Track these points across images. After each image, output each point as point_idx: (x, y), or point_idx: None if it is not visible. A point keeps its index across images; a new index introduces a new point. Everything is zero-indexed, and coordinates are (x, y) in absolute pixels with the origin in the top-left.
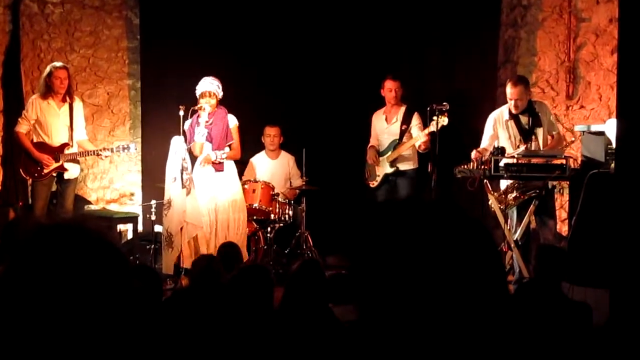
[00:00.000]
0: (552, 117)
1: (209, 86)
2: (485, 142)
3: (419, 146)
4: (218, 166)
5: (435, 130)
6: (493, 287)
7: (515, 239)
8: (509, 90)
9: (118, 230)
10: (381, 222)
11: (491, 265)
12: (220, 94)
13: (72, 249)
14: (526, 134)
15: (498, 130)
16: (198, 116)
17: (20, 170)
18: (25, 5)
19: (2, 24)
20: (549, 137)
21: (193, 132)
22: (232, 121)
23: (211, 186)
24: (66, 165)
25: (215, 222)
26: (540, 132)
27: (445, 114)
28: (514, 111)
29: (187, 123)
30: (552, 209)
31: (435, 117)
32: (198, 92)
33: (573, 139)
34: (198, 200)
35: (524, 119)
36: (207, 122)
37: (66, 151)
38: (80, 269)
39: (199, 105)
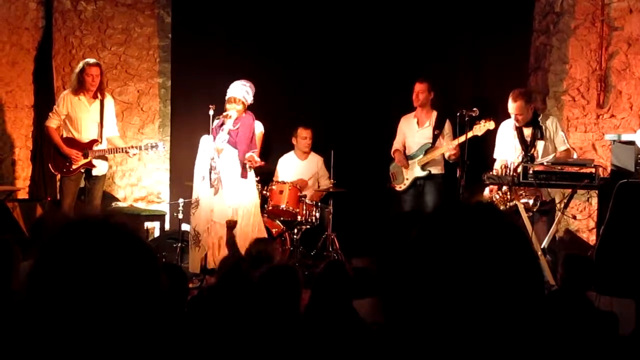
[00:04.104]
0: (562, 133)
1: (237, 92)
2: (498, 152)
3: (449, 156)
4: (244, 173)
5: (465, 139)
6: (531, 291)
7: (542, 246)
8: (509, 105)
9: (145, 228)
10: (421, 226)
11: (529, 270)
12: (249, 100)
13: (101, 245)
14: (527, 146)
15: (504, 139)
16: (223, 122)
17: (50, 165)
18: (58, 2)
19: (35, 19)
20: (557, 152)
21: (215, 137)
22: (259, 128)
23: (235, 191)
24: (94, 161)
25: (239, 225)
26: (540, 144)
27: (491, 118)
28: (517, 124)
29: (216, 122)
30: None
31: (479, 123)
32: (227, 96)
33: (575, 155)
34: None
35: (527, 131)
36: (232, 127)
37: (95, 147)
38: (109, 265)
39: (225, 113)
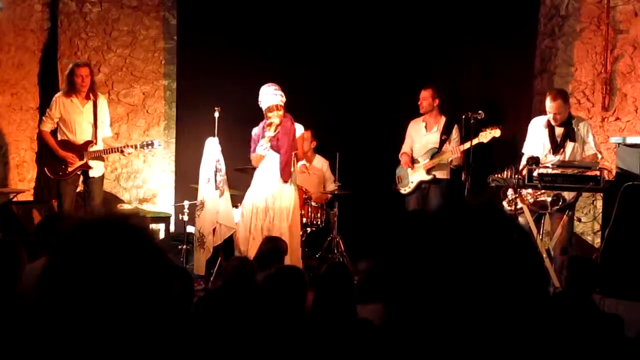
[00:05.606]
0: (592, 137)
1: (275, 99)
2: (527, 147)
3: (451, 161)
4: (286, 176)
5: (470, 146)
6: (535, 292)
7: (547, 248)
8: (548, 104)
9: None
10: (426, 227)
11: (533, 271)
12: (284, 99)
13: (114, 245)
14: (556, 145)
15: (534, 136)
16: (265, 129)
17: (46, 169)
18: (63, 4)
19: (40, 21)
20: (583, 154)
21: (256, 144)
22: (299, 130)
23: (273, 194)
24: (90, 163)
25: (255, 227)
26: (570, 146)
27: (497, 126)
28: (553, 123)
29: (255, 130)
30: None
31: (485, 130)
32: (264, 104)
33: (601, 156)
34: (251, 202)
35: (558, 130)
36: (273, 134)
37: (90, 149)
38: (122, 266)
39: (269, 121)
